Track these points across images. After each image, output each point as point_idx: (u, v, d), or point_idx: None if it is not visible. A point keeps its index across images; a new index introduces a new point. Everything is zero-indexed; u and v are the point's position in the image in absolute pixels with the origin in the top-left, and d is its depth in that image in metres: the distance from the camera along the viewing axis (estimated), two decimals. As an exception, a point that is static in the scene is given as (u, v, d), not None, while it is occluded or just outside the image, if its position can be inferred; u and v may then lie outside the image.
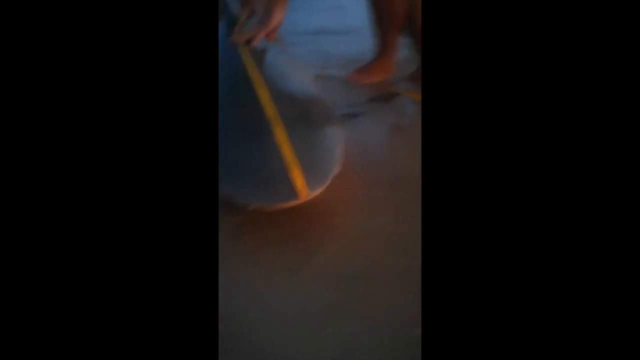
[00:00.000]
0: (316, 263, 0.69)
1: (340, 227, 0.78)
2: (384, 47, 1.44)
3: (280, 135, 0.80)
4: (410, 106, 1.26)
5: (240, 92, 0.92)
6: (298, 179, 0.73)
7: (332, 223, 0.79)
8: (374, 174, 0.93)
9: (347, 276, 0.65)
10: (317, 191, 0.74)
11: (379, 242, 0.73)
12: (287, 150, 0.78)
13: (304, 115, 0.87)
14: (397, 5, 1.36)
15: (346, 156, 0.81)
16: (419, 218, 0.39)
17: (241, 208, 0.74)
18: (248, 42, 1.07)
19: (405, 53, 1.48)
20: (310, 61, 1.49)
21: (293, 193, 0.72)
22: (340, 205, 0.82)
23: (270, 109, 0.86)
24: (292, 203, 0.72)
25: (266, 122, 0.82)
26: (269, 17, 1.07)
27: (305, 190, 0.72)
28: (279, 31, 1.15)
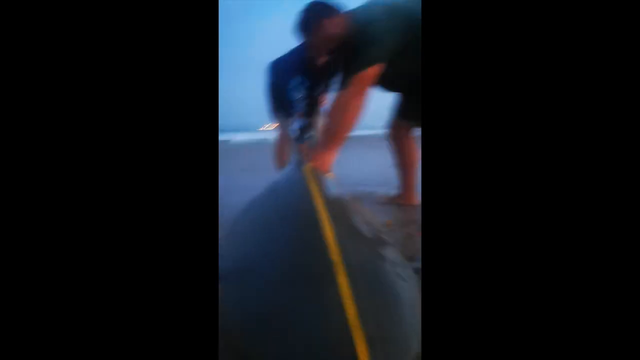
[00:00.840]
0: None
1: None
2: (407, 184, 1.77)
3: (344, 288, 0.59)
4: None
5: None
6: (362, 355, 0.51)
7: None
8: None
9: None
10: None
11: None
12: (352, 316, 0.55)
13: (374, 264, 0.67)
14: (414, 152, 1.73)
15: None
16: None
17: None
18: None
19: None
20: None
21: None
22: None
23: (334, 250, 0.67)
24: None
25: (326, 267, 0.61)
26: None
27: None
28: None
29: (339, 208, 0.92)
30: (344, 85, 1.34)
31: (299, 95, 1.82)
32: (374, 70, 1.29)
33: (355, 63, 1.28)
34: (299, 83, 1.80)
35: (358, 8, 1.42)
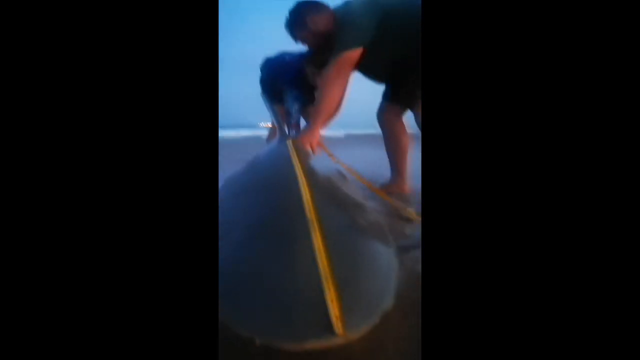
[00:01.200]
0: None
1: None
2: (398, 172, 1.79)
3: (319, 243, 0.59)
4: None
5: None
6: (335, 308, 0.52)
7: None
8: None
9: None
10: (360, 331, 0.51)
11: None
12: (324, 266, 0.55)
13: (352, 226, 0.67)
14: (405, 136, 1.76)
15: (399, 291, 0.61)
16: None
17: (244, 342, 0.51)
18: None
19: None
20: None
21: (326, 328, 0.50)
22: (391, 355, 0.58)
23: (311, 208, 0.67)
24: (323, 343, 0.50)
25: (302, 225, 0.62)
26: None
27: (343, 327, 0.49)
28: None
29: (322, 178, 0.93)
30: (327, 67, 1.43)
31: (296, 106, 1.98)
32: (354, 54, 1.40)
33: (336, 46, 1.39)
34: (295, 97, 1.97)
35: (340, 4, 1.55)
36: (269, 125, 2.52)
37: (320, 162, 1.08)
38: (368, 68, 1.60)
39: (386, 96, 1.76)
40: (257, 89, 2.17)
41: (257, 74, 2.20)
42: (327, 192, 0.83)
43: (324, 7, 1.48)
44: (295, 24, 1.49)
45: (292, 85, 2.02)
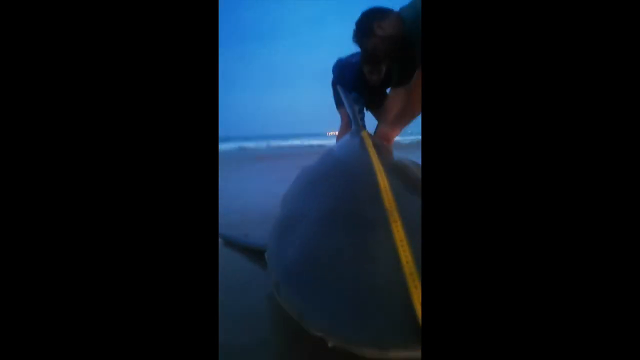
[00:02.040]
0: None
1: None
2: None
3: (400, 234, 0.51)
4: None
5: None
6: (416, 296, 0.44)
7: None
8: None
9: None
10: None
11: None
12: (408, 261, 0.47)
13: None
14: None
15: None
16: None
17: (315, 342, 0.44)
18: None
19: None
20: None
21: (413, 335, 0.41)
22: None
23: (389, 197, 0.59)
24: (410, 353, 0.41)
25: (380, 214, 0.54)
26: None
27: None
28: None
29: (396, 167, 0.84)
30: (416, 74, 1.41)
31: (356, 107, 1.90)
32: None
33: (417, 46, 1.37)
34: (354, 99, 1.91)
35: (403, 7, 1.51)
36: (336, 132, 2.55)
37: (395, 154, 0.99)
38: None
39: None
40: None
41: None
42: (404, 180, 0.74)
43: (389, 11, 1.45)
44: (363, 32, 1.46)
45: (352, 87, 1.99)
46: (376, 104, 1.98)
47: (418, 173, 0.82)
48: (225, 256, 0.91)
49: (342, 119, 2.21)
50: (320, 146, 6.48)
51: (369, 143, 0.92)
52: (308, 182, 0.84)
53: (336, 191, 0.70)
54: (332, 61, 2.28)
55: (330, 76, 2.31)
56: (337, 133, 2.38)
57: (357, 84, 1.96)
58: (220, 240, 1.02)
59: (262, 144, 9.20)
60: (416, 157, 0.94)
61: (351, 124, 1.61)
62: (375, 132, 1.30)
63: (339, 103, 2.16)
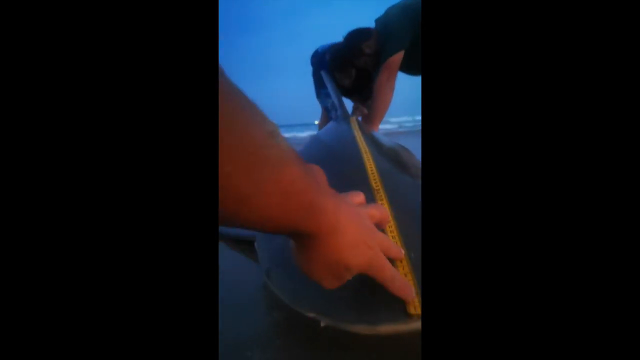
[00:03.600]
0: None
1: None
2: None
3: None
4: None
5: None
6: (410, 285, 0.43)
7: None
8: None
9: None
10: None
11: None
12: (394, 238, 0.47)
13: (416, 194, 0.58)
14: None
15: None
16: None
17: (306, 322, 0.43)
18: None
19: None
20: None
21: (401, 310, 0.42)
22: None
23: (375, 178, 0.59)
24: (398, 327, 0.42)
25: (368, 195, 0.54)
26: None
27: (418, 306, 0.42)
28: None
29: (383, 149, 0.84)
30: (377, 74, 1.68)
31: (328, 102, 2.01)
32: (396, 58, 1.65)
33: (382, 55, 1.65)
34: (325, 94, 2.02)
35: (380, 17, 1.78)
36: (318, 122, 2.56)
37: (382, 139, 0.99)
38: (408, 67, 1.81)
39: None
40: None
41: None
42: (390, 161, 0.74)
43: (370, 30, 1.73)
44: (354, 54, 1.70)
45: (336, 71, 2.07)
46: (361, 88, 2.05)
47: (405, 155, 0.83)
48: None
49: (323, 108, 2.23)
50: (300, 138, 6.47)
51: (355, 127, 0.92)
52: None
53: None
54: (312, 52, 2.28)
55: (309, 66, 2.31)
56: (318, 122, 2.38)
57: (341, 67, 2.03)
58: None
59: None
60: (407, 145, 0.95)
61: (330, 113, 1.65)
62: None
63: (319, 93, 2.18)
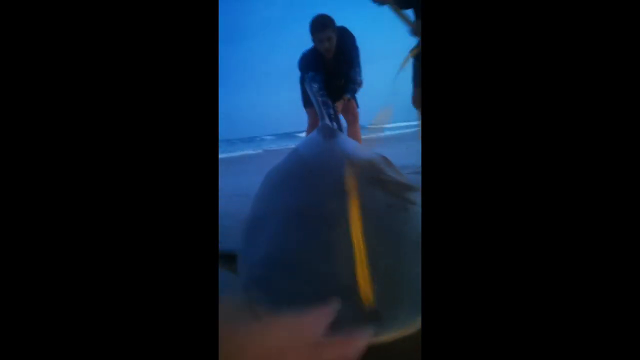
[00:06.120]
0: None
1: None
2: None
3: (355, 223, 0.51)
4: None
5: None
6: (365, 285, 0.46)
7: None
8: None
9: None
10: (404, 324, 0.44)
11: None
12: (359, 249, 0.48)
13: (393, 208, 0.59)
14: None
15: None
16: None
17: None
18: None
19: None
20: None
21: (361, 316, 0.44)
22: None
23: (352, 190, 0.60)
24: (358, 334, 0.40)
25: (344, 209, 0.54)
26: None
27: (371, 296, 0.45)
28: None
29: (363, 162, 0.85)
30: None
31: (315, 86, 2.13)
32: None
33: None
34: (311, 77, 2.16)
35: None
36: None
37: (363, 149, 1.00)
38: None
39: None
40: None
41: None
42: (370, 174, 0.75)
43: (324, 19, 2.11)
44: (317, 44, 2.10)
45: (311, 67, 2.25)
46: (334, 85, 2.25)
47: (385, 167, 0.84)
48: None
49: (309, 118, 2.27)
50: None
51: (333, 139, 0.93)
52: (274, 182, 0.84)
53: (303, 191, 0.71)
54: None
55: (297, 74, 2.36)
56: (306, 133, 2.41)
57: (313, 63, 2.23)
58: None
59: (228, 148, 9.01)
60: (399, 149, 0.96)
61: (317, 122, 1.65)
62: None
63: (306, 102, 2.23)
